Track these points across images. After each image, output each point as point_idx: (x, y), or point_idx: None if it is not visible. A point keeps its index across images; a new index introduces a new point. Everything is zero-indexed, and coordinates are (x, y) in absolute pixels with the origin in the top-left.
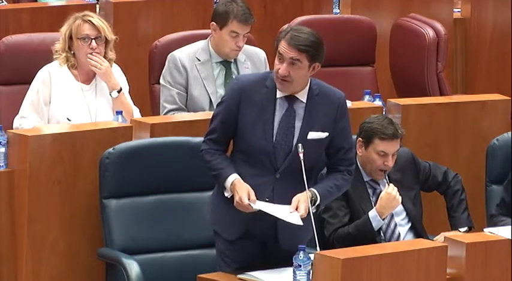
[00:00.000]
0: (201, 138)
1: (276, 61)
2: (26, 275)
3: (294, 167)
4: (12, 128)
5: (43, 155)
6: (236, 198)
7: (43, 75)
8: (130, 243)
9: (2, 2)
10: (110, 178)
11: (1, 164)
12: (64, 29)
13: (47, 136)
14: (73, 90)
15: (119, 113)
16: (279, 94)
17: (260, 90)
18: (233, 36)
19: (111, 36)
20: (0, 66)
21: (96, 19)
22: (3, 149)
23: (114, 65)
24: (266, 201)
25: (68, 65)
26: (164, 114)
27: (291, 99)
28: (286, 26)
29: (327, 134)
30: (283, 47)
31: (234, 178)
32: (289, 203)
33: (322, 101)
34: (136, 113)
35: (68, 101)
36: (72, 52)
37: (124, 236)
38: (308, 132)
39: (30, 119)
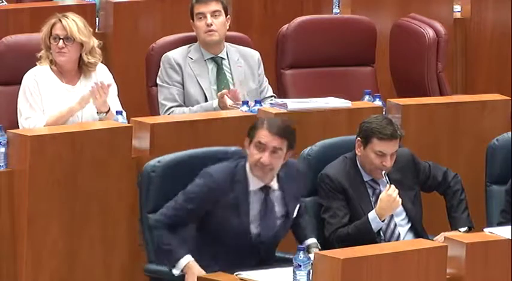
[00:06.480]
0: (235, 148)
1: (255, 150)
2: (26, 275)
3: (277, 242)
4: (11, 128)
5: (43, 155)
6: None
7: (30, 79)
8: None
9: (2, 2)
10: (154, 192)
11: (1, 164)
12: (43, 29)
13: (47, 136)
14: (59, 92)
15: (119, 113)
16: (251, 186)
17: (233, 187)
18: (200, 17)
19: (83, 39)
20: (0, 66)
21: (68, 20)
22: (3, 149)
23: (101, 65)
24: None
25: (50, 66)
26: (165, 112)
27: (265, 190)
28: (286, 26)
29: (298, 205)
30: (264, 136)
31: (189, 259)
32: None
33: (289, 181)
34: (122, 118)
35: (55, 103)
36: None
37: None
38: (293, 211)
39: (36, 117)
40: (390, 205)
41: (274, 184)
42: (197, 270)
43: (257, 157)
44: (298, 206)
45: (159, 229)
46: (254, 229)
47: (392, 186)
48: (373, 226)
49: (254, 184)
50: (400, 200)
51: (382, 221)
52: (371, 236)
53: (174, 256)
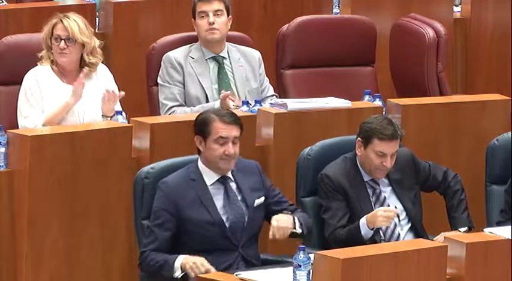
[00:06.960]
0: None
1: (215, 146)
2: (26, 275)
3: (251, 232)
4: (11, 128)
5: (43, 155)
6: (194, 262)
7: (31, 79)
8: None
9: (2, 2)
10: (148, 199)
11: (1, 164)
12: (45, 29)
13: (47, 136)
14: (60, 92)
15: (118, 113)
16: (208, 181)
17: (190, 186)
18: (202, 16)
19: (84, 39)
20: (0, 66)
21: (70, 20)
22: (3, 149)
23: (102, 66)
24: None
25: (51, 66)
26: (166, 111)
27: (223, 180)
28: (286, 26)
29: (263, 197)
30: (222, 129)
31: (183, 257)
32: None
33: (243, 174)
34: (122, 118)
35: (56, 103)
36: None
37: None
38: (254, 201)
39: (34, 116)
40: (375, 219)
41: (230, 175)
42: (195, 257)
43: (221, 151)
44: (262, 198)
45: (148, 257)
46: (225, 218)
47: (394, 207)
48: (362, 232)
49: (210, 179)
50: (386, 222)
51: (371, 229)
52: (361, 242)
53: (170, 263)
